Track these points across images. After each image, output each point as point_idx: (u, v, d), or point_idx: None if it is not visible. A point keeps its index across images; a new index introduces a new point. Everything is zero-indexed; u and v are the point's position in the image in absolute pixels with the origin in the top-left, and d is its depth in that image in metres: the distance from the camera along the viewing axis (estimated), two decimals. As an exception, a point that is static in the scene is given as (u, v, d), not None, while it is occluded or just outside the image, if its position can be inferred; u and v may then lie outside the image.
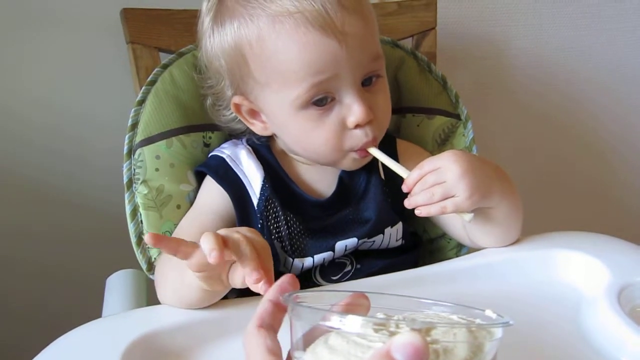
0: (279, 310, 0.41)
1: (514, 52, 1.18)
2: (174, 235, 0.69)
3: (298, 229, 0.69)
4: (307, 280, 0.71)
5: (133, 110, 0.73)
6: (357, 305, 0.42)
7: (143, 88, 0.74)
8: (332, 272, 0.72)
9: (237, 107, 0.69)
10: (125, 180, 0.71)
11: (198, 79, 0.74)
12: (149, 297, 0.75)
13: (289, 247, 0.69)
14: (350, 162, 0.68)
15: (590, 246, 0.68)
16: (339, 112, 0.64)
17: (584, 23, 1.21)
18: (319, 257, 0.70)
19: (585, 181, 1.37)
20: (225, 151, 0.73)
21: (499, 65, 1.19)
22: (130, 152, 0.72)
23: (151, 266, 0.70)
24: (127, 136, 0.72)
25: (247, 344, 0.40)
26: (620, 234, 0.71)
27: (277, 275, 0.70)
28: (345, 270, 0.73)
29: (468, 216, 0.63)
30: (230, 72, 0.67)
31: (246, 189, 0.70)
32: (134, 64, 0.82)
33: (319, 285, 0.71)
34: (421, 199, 0.62)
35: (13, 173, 0.95)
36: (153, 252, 0.70)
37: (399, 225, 0.74)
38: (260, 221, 0.69)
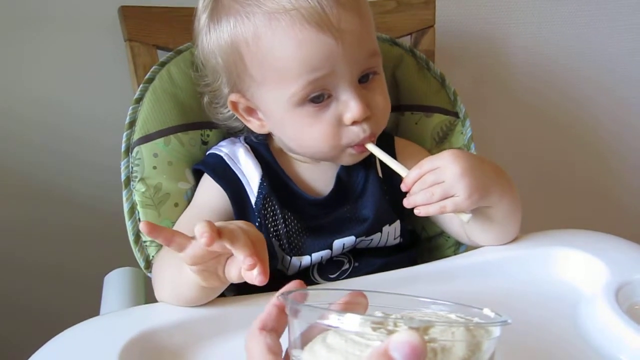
0: (283, 314, 0.41)
1: (512, 50, 1.18)
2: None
3: (296, 227, 0.69)
4: (305, 278, 0.71)
5: (131, 108, 0.73)
6: (355, 304, 0.42)
7: (141, 86, 0.74)
8: (330, 270, 0.72)
9: (234, 104, 0.69)
10: (123, 178, 0.71)
11: (195, 76, 0.73)
12: (146, 295, 0.75)
13: (286, 245, 0.69)
14: (348, 158, 0.68)
15: (588, 244, 0.68)
16: (336, 109, 0.64)
17: (583, 21, 1.21)
18: (316, 256, 0.70)
19: (583, 179, 1.37)
20: (223, 149, 0.73)
21: (497, 63, 1.19)
22: (128, 150, 0.72)
23: (149, 264, 0.70)
24: (124, 134, 0.72)
25: (248, 345, 0.40)
26: (619, 232, 0.71)
27: (275, 274, 0.71)
28: (343, 268, 0.73)
29: (466, 216, 0.63)
30: (227, 69, 0.67)
31: (244, 187, 0.70)
32: (131, 62, 0.82)
33: (317, 284, 0.72)
34: (420, 198, 0.62)
35: (10, 171, 0.95)
36: (151, 250, 0.70)
37: (397, 224, 0.74)
38: (258, 219, 0.69)
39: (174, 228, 0.69)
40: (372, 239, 0.72)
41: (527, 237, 0.71)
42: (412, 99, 0.83)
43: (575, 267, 0.66)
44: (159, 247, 0.69)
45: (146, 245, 0.70)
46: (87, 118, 0.96)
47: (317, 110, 0.64)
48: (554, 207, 1.33)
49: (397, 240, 0.75)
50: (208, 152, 0.74)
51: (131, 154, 0.72)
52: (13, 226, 0.99)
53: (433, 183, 0.62)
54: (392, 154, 0.75)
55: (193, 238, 0.49)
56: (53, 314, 0.98)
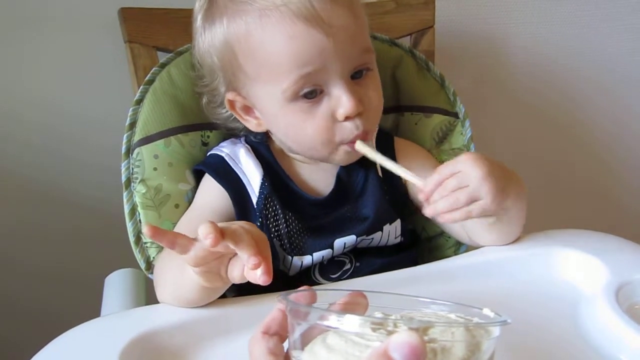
0: (287, 319, 0.41)
1: (512, 50, 1.18)
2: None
3: (297, 227, 0.69)
4: (306, 278, 0.71)
5: (131, 109, 0.73)
6: (355, 304, 0.42)
7: (141, 87, 0.75)
8: (331, 270, 0.72)
9: (231, 103, 0.70)
10: (123, 179, 0.72)
11: (193, 77, 0.74)
12: (147, 296, 0.75)
13: (287, 245, 0.69)
14: (343, 156, 0.68)
15: (588, 244, 0.68)
16: (328, 105, 0.64)
17: (582, 21, 1.21)
18: (317, 255, 0.70)
19: (583, 179, 1.37)
20: (224, 150, 0.73)
21: (497, 63, 1.19)
22: (129, 151, 0.72)
23: (150, 265, 0.70)
24: (125, 135, 0.72)
25: (250, 349, 0.41)
26: (618, 232, 0.71)
27: (277, 274, 0.71)
28: (345, 268, 0.73)
29: (491, 219, 0.62)
30: (223, 68, 0.67)
31: (245, 188, 0.70)
32: (132, 63, 0.82)
33: (318, 284, 0.72)
34: (444, 205, 0.60)
35: (11, 172, 0.95)
36: (152, 252, 0.70)
37: (398, 223, 0.74)
38: (260, 219, 0.69)
39: (175, 229, 0.70)
40: (372, 238, 0.72)
41: (527, 237, 0.71)
42: (411, 99, 0.83)
43: (575, 267, 0.66)
44: (160, 248, 0.70)
45: (147, 247, 0.71)
46: (87, 119, 0.96)
47: (309, 105, 0.64)
48: (554, 207, 1.33)
49: (398, 240, 0.75)
50: (209, 153, 0.74)
51: (132, 155, 0.72)
52: (14, 227, 0.99)
53: (455, 188, 0.60)
54: (392, 154, 0.76)
55: (196, 239, 0.49)
56: (54, 315, 0.98)
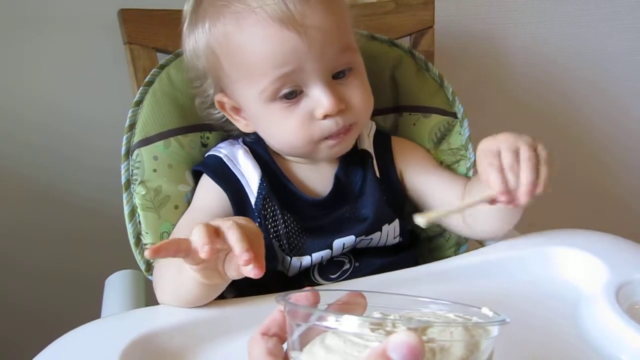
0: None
1: (511, 51, 1.18)
2: (172, 235, 0.69)
3: (295, 228, 0.69)
4: (305, 279, 0.71)
5: (131, 110, 0.73)
6: (354, 304, 0.42)
7: (140, 89, 0.75)
8: (330, 270, 0.72)
9: (221, 105, 0.70)
10: (123, 181, 0.71)
11: (187, 79, 0.74)
12: (147, 297, 0.75)
13: (286, 245, 0.69)
14: (327, 151, 0.68)
15: (588, 244, 0.68)
16: (307, 105, 0.64)
17: (582, 21, 1.21)
18: (317, 256, 0.70)
19: (582, 179, 1.37)
20: (222, 150, 0.73)
21: (496, 63, 1.19)
22: (128, 152, 0.72)
23: (149, 267, 0.70)
24: (124, 137, 0.72)
25: (249, 350, 0.41)
26: (618, 231, 0.71)
27: (276, 275, 0.71)
28: (344, 268, 0.73)
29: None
30: (209, 70, 0.68)
31: (244, 188, 0.70)
32: (131, 65, 0.82)
33: (317, 284, 0.72)
34: (526, 179, 0.57)
35: (11, 173, 0.96)
36: (151, 253, 0.70)
37: (396, 223, 0.74)
38: (258, 220, 0.69)
39: (174, 230, 0.70)
40: (372, 239, 0.72)
41: (526, 237, 0.71)
42: (410, 99, 0.83)
43: (575, 267, 0.66)
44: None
45: (147, 248, 0.70)
46: (87, 120, 0.96)
47: (288, 106, 0.64)
48: (553, 207, 1.32)
49: (397, 240, 0.75)
50: (207, 154, 0.74)
51: (131, 156, 0.72)
52: (14, 227, 0.99)
53: (512, 160, 0.58)
54: (390, 154, 0.76)
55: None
56: (54, 315, 0.99)
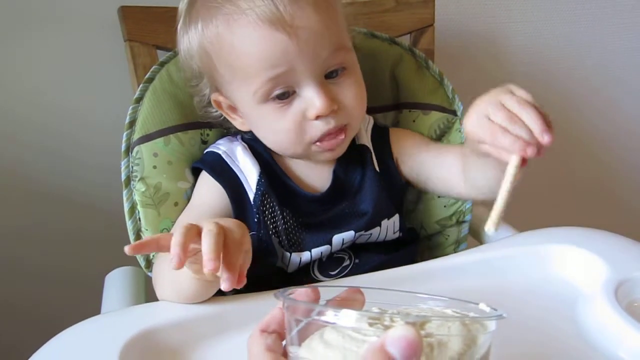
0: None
1: (511, 49, 1.18)
2: (172, 232, 0.70)
3: (294, 224, 0.69)
4: (305, 275, 0.71)
5: (131, 107, 0.73)
6: (352, 300, 0.42)
7: (141, 86, 0.75)
8: (330, 267, 0.72)
9: (218, 103, 0.71)
10: (123, 177, 0.72)
11: (184, 78, 0.74)
12: (147, 294, 0.75)
13: (285, 241, 0.69)
14: (320, 155, 0.69)
15: (587, 242, 0.68)
16: (299, 105, 0.64)
17: (582, 20, 1.21)
18: (316, 251, 0.70)
19: (582, 179, 1.37)
20: (221, 147, 0.73)
21: (496, 62, 1.19)
22: (128, 149, 0.72)
23: (149, 263, 0.71)
24: (124, 134, 0.73)
25: (249, 346, 0.41)
26: (617, 229, 0.71)
27: (276, 271, 0.71)
28: (344, 265, 0.73)
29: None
30: (204, 71, 0.68)
31: (242, 185, 0.70)
32: (131, 62, 0.82)
33: (317, 281, 0.72)
34: (538, 127, 0.54)
35: (10, 172, 0.96)
36: (151, 250, 0.70)
37: (396, 218, 0.74)
38: (257, 216, 0.69)
39: (174, 227, 0.70)
40: (371, 234, 0.72)
41: (525, 235, 0.71)
42: (410, 97, 0.83)
43: (574, 265, 0.66)
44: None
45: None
46: (87, 117, 0.96)
47: (281, 106, 0.64)
48: (553, 206, 1.33)
49: (397, 235, 0.75)
50: (206, 151, 0.75)
51: (131, 153, 0.72)
52: (13, 226, 0.99)
53: (509, 115, 0.53)
54: (387, 145, 0.76)
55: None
56: (54, 313, 0.99)
